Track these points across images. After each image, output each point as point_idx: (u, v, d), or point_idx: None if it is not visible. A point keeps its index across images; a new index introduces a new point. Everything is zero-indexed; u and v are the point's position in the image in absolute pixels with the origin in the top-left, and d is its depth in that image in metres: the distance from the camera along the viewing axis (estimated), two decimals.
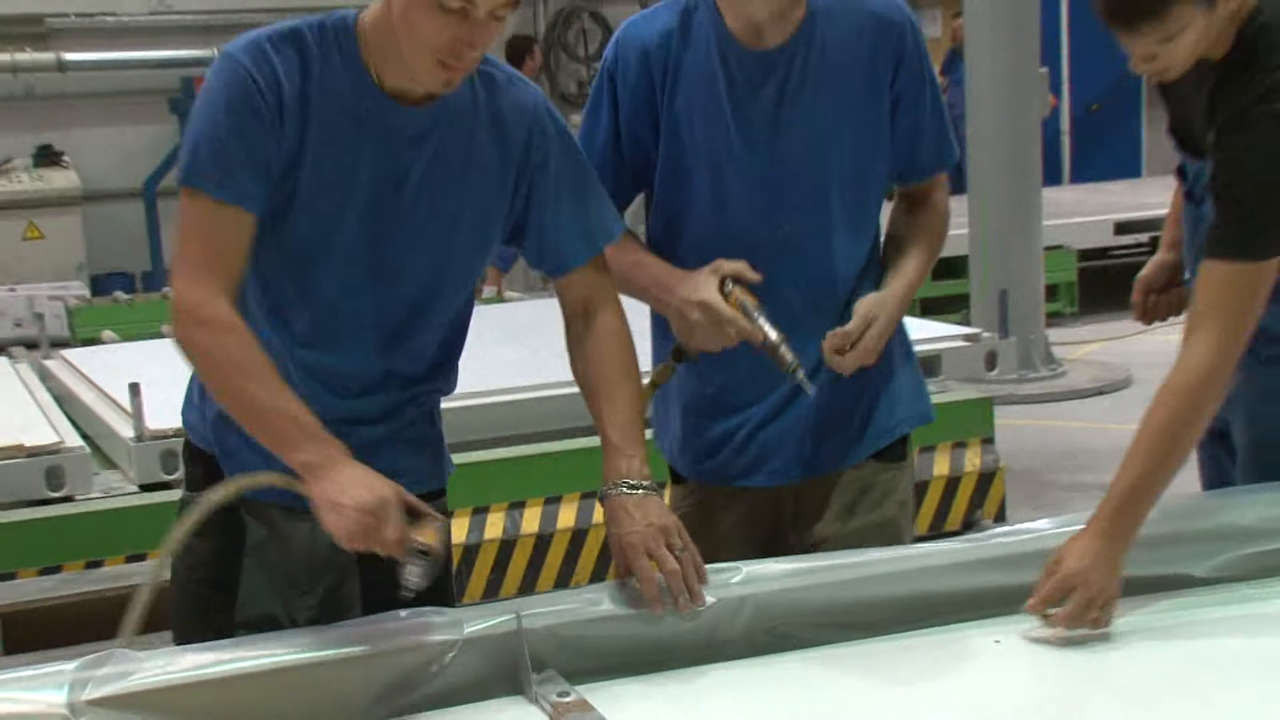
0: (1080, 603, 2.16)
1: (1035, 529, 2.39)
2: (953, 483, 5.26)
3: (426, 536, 1.97)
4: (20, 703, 1.85)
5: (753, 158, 2.44)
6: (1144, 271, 2.89)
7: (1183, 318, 2.43)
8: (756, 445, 2.53)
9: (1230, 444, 2.73)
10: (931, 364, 5.58)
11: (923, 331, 6.00)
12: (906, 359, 2.63)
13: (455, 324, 2.31)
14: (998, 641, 2.20)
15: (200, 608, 2.28)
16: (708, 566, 2.18)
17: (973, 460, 5.29)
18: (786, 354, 2.32)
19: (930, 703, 2.04)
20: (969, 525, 5.24)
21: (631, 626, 2.11)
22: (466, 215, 2.21)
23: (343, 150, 2.12)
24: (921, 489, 5.19)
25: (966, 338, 5.69)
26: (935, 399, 5.22)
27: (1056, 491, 6.51)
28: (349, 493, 1.96)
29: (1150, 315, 2.87)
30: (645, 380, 2.36)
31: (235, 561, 2.26)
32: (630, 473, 2.17)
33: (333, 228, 2.14)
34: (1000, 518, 5.37)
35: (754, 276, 2.36)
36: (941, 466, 5.23)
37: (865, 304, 2.42)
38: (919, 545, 2.40)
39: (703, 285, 2.35)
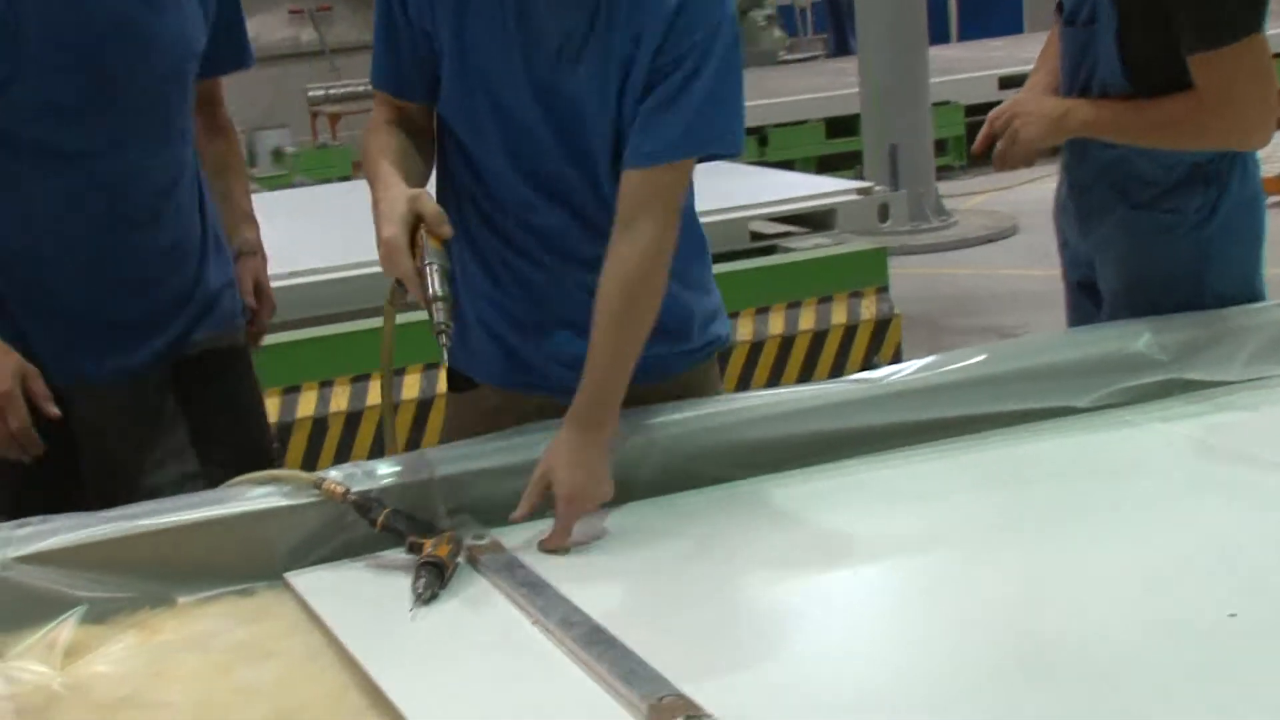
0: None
1: (926, 365, 2.39)
2: (850, 330, 5.28)
3: (440, 549, 1.90)
4: None
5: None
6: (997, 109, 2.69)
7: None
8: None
9: (1096, 293, 2.74)
10: (827, 217, 5.59)
11: (818, 186, 6.01)
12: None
13: None
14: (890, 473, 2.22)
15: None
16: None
17: (869, 308, 5.30)
18: (436, 313, 1.96)
19: (821, 532, 2.04)
20: (867, 369, 5.26)
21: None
22: None
23: None
24: (820, 337, 5.22)
25: (860, 191, 5.71)
26: (832, 251, 5.33)
27: (951, 335, 6.58)
28: None
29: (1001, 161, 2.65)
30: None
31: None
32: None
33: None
34: (896, 360, 5.40)
35: (444, 233, 2.00)
36: (839, 315, 5.24)
37: (544, 458, 2.07)
38: (817, 384, 2.40)
39: (395, 218, 1.98)
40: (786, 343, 5.20)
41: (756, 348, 5.15)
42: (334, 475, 2.03)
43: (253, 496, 2.01)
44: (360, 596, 1.86)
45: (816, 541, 2.01)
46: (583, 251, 2.16)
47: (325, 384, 4.45)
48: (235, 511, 1.98)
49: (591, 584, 1.88)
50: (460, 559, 1.93)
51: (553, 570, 1.91)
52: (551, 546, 1.99)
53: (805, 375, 5.24)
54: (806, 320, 5.21)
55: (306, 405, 4.43)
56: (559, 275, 2.19)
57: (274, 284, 2.75)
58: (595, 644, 1.67)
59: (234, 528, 1.97)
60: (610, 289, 2.05)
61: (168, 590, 1.91)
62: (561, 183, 2.15)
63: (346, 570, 1.96)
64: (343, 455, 4.47)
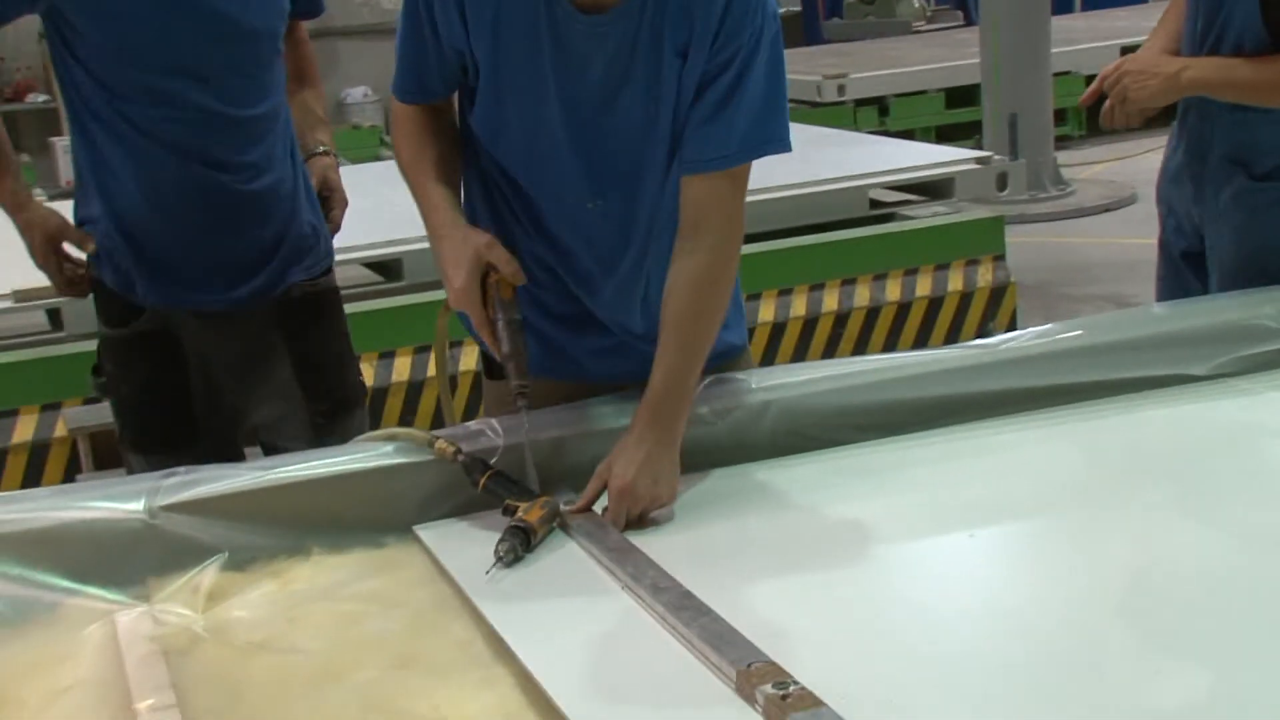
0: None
1: (1043, 332, 2.38)
2: (966, 297, 5.24)
3: (530, 514, 1.91)
4: (103, 510, 1.89)
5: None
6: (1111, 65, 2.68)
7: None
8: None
9: (1200, 265, 2.69)
10: (946, 186, 5.54)
11: (937, 156, 5.95)
12: None
13: None
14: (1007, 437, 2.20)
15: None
16: (731, 376, 2.17)
17: (985, 276, 5.27)
18: (512, 372, 2.00)
19: (931, 497, 2.04)
20: (983, 336, 5.22)
21: None
22: None
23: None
24: (937, 303, 5.19)
25: (978, 160, 5.66)
26: (949, 219, 5.29)
27: (1066, 304, 6.49)
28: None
29: (1108, 117, 2.66)
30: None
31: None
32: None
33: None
34: (1012, 329, 5.35)
35: (518, 281, 2.00)
36: (956, 282, 5.21)
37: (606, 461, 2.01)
38: (932, 350, 2.39)
39: (466, 266, 1.98)
40: (903, 309, 5.17)
41: (874, 313, 5.13)
42: (445, 435, 2.05)
43: (381, 453, 2.04)
44: (487, 550, 1.88)
45: (925, 506, 2.00)
46: (626, 255, 2.13)
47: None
48: (367, 466, 2.02)
49: (684, 549, 1.87)
50: (554, 524, 1.94)
51: (644, 536, 1.91)
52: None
53: (921, 341, 5.21)
54: (923, 287, 5.18)
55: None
56: (599, 276, 2.16)
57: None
58: (684, 609, 1.66)
59: (365, 482, 2.01)
60: (679, 292, 2.02)
61: (302, 540, 1.95)
62: (603, 198, 2.10)
63: (474, 524, 1.99)
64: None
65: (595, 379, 2.21)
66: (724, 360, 2.24)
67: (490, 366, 2.33)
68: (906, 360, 2.32)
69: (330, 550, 1.95)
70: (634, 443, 1.98)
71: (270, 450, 2.75)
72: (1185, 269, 2.74)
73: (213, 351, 2.66)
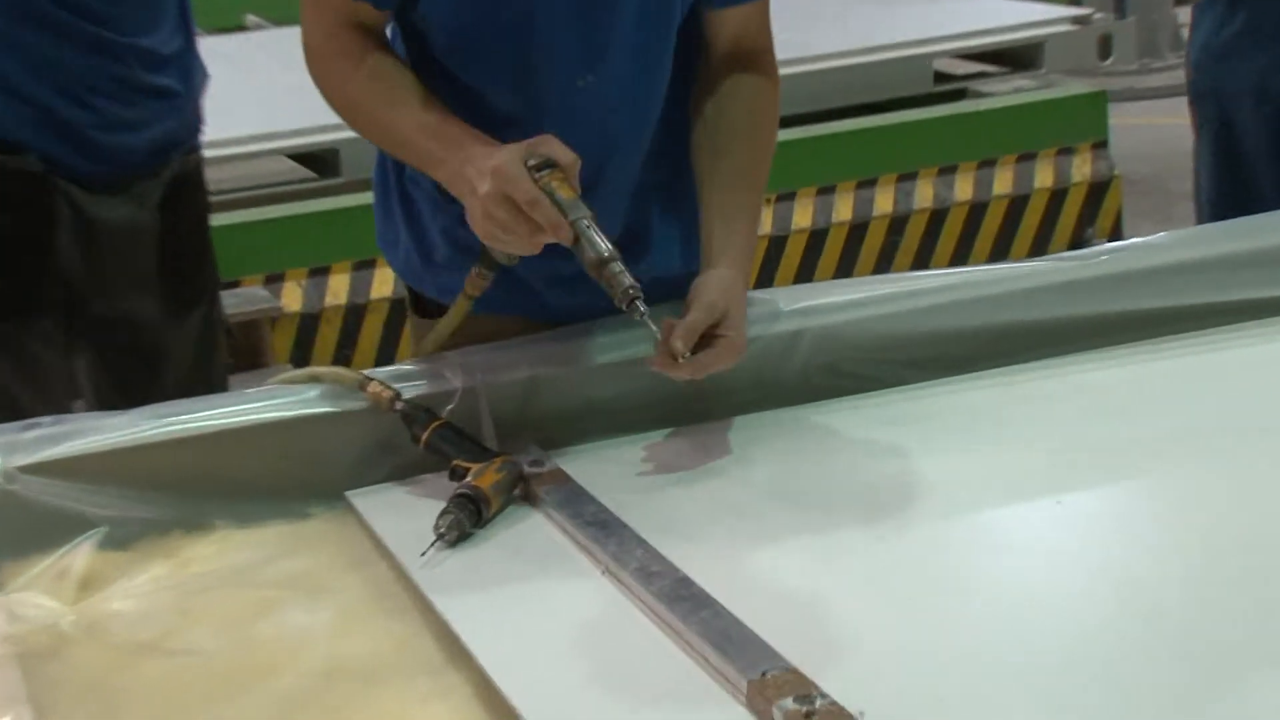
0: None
1: (1155, 242, 2.37)
2: (1058, 195, 5.25)
3: (483, 479, 1.90)
4: None
5: None
6: None
7: None
8: None
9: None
10: (1032, 53, 5.54)
11: (1022, 14, 5.92)
12: None
13: None
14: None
15: None
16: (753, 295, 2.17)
17: (1082, 168, 5.28)
18: (624, 277, 1.95)
19: (1024, 442, 2.03)
20: (1078, 246, 5.23)
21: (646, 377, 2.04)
22: None
23: None
24: (1019, 203, 5.18)
25: (1075, 20, 5.66)
26: (1037, 95, 5.27)
27: (1184, 204, 6.46)
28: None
29: None
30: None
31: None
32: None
33: None
34: (1116, 235, 5.35)
35: (571, 162, 1.97)
36: (1044, 177, 5.22)
37: (709, 289, 2.05)
38: (1012, 263, 2.38)
39: (504, 152, 1.95)
40: (977, 211, 5.17)
41: (938, 216, 5.13)
42: (383, 376, 2.05)
43: (303, 399, 2.03)
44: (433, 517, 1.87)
45: (1000, 465, 1.99)
46: (615, 155, 2.17)
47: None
48: (284, 416, 2.01)
49: (681, 524, 1.86)
50: (516, 491, 1.95)
51: (630, 507, 1.89)
52: (681, 371, 1.96)
53: (999, 253, 5.22)
54: (1003, 183, 5.17)
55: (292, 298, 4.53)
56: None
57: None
58: (682, 600, 1.65)
59: (283, 436, 2.00)
60: (737, 117, 2.15)
61: (202, 511, 1.95)
62: (594, 72, 2.12)
63: (423, 490, 1.98)
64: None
65: (554, 315, 2.22)
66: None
67: (419, 301, 2.34)
68: (979, 277, 2.31)
69: (238, 524, 1.95)
70: (743, 290, 2.07)
71: (107, 349, 3.11)
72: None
73: (79, 214, 3.00)
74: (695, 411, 2.06)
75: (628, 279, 1.94)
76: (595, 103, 2.12)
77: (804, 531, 1.85)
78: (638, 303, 1.94)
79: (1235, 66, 2.83)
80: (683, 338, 1.95)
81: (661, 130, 2.20)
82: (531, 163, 1.92)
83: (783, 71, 2.22)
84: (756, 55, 2.22)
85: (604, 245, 1.94)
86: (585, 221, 1.93)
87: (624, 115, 2.15)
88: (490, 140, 2.00)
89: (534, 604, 1.74)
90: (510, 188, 1.90)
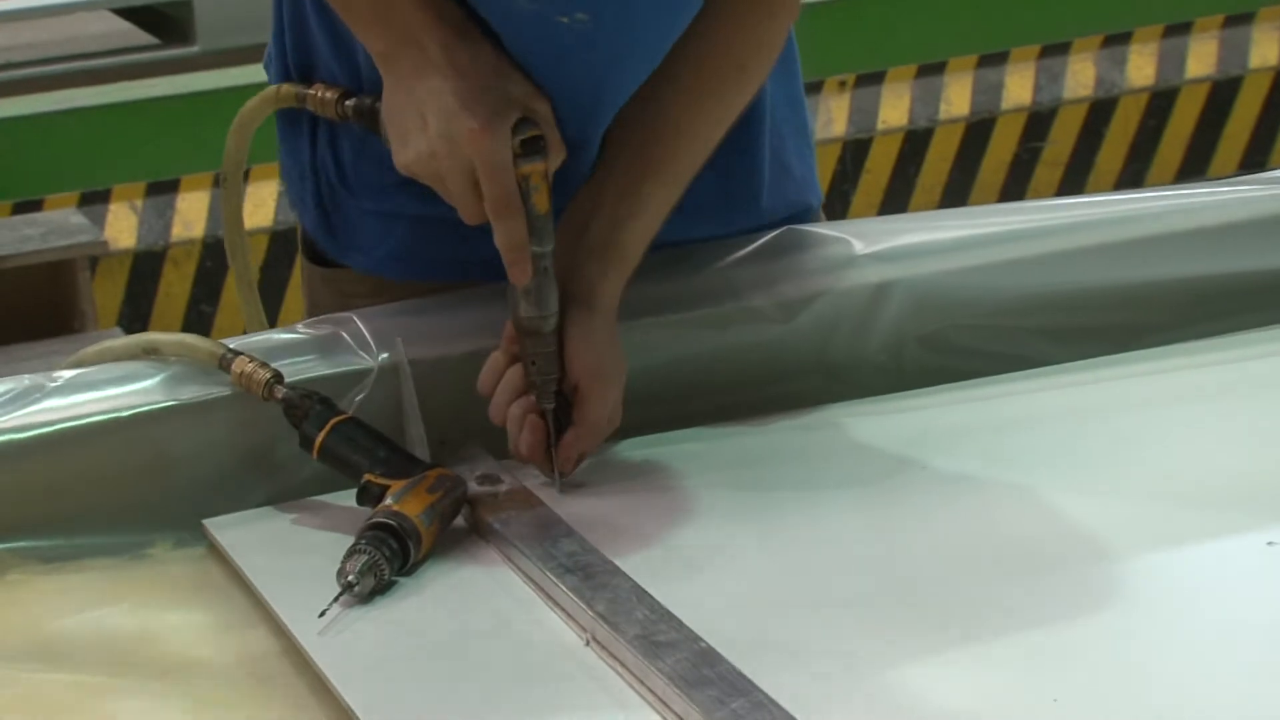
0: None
1: None
2: None
3: (409, 504, 1.92)
4: None
5: None
6: None
7: None
8: None
9: None
10: None
11: None
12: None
13: None
14: None
15: None
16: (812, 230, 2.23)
17: None
18: (551, 361, 2.10)
19: (1217, 456, 2.07)
20: None
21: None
22: None
23: None
24: (1230, 92, 5.20)
25: None
26: None
27: None
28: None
29: None
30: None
31: None
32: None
33: None
34: None
35: (557, 152, 2.11)
36: (1266, 51, 5.24)
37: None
38: (1211, 186, 2.42)
39: (488, 107, 2.06)
40: (1160, 102, 5.20)
41: (1102, 110, 5.16)
42: (253, 349, 2.07)
43: (135, 385, 2.05)
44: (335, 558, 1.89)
45: (1185, 488, 2.02)
46: (600, 113, 2.23)
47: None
48: (107, 413, 2.03)
49: (699, 567, 1.90)
50: (459, 520, 1.99)
51: (624, 541, 1.93)
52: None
53: (1191, 170, 5.24)
54: (1198, 63, 5.20)
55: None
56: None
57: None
58: (704, 685, 1.65)
59: (107, 440, 2.02)
60: (712, 52, 2.20)
61: None
62: (589, 9, 2.15)
63: (320, 515, 2.02)
64: None
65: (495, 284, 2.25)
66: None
67: (312, 244, 2.41)
68: (1160, 206, 2.35)
69: (43, 565, 1.97)
70: (606, 334, 2.11)
71: None
72: None
73: None
74: (720, 405, 2.10)
75: (554, 367, 2.06)
76: (584, 49, 2.16)
77: (892, 588, 1.88)
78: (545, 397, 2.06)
79: None
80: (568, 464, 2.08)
81: None
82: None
83: None
84: None
85: (553, 304, 2.04)
86: (547, 263, 2.03)
87: (625, 70, 2.20)
88: (465, 32, 2.05)
89: (489, 696, 1.75)
90: (486, 173, 2.00)
